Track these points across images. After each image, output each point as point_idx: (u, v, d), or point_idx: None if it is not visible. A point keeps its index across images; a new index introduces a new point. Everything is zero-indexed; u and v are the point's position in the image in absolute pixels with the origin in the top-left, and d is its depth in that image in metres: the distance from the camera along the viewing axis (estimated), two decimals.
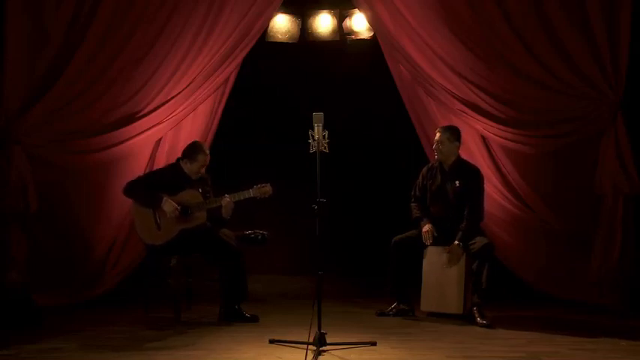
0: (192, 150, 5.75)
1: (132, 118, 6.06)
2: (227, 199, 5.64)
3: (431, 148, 6.02)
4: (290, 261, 7.11)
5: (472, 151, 6.36)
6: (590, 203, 6.01)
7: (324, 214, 4.75)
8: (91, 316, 5.67)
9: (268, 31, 6.79)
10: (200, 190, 5.72)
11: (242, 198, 5.64)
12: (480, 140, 6.41)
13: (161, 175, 5.80)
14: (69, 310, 5.77)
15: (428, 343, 4.85)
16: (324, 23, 6.97)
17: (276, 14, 6.70)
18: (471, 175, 5.78)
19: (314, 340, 4.57)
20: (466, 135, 6.16)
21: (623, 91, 5.87)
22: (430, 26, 6.13)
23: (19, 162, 5.64)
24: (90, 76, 5.88)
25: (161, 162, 6.29)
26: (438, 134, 5.83)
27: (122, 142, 6.06)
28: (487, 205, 5.96)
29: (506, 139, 6.20)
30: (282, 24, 6.88)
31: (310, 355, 4.40)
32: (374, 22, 6.42)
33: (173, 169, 5.79)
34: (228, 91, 6.50)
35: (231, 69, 6.36)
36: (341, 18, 6.99)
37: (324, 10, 6.97)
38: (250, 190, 5.64)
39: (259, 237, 6.04)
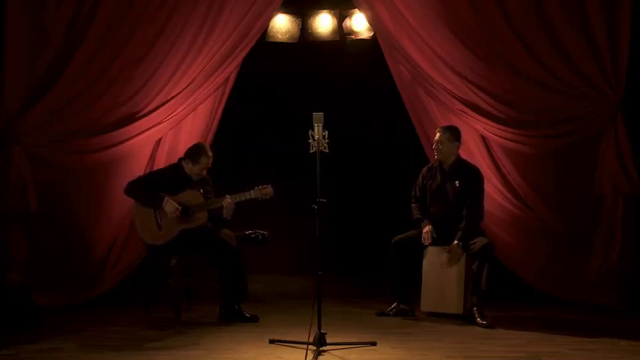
0: (195, 151, 5.75)
1: (132, 118, 6.06)
2: (228, 200, 5.64)
3: (431, 148, 6.02)
4: (290, 261, 7.11)
5: (472, 151, 6.36)
6: (590, 203, 6.01)
7: (324, 214, 4.75)
8: (91, 316, 5.67)
9: (268, 31, 6.79)
10: (201, 190, 5.72)
11: (243, 199, 5.65)
12: (480, 140, 6.41)
13: (162, 175, 5.80)
14: (69, 310, 5.77)
15: (428, 343, 4.85)
16: (324, 23, 6.97)
17: (276, 14, 6.71)
18: (470, 175, 5.78)
19: (314, 340, 4.57)
20: (466, 135, 6.16)
21: (623, 91, 5.87)
22: (430, 26, 6.13)
23: (19, 162, 5.64)
24: (90, 76, 5.88)
25: (161, 162, 6.29)
26: (437, 134, 5.83)
27: (122, 142, 6.06)
28: (487, 205, 5.96)
29: (506, 139, 6.20)
30: (282, 24, 6.88)
31: (310, 355, 4.40)
32: (374, 22, 6.42)
33: (174, 169, 5.79)
34: (228, 91, 6.50)
35: (231, 69, 6.36)
36: (341, 18, 6.99)
37: (324, 10, 6.97)
38: (251, 191, 5.65)
39: (259, 237, 6.04)
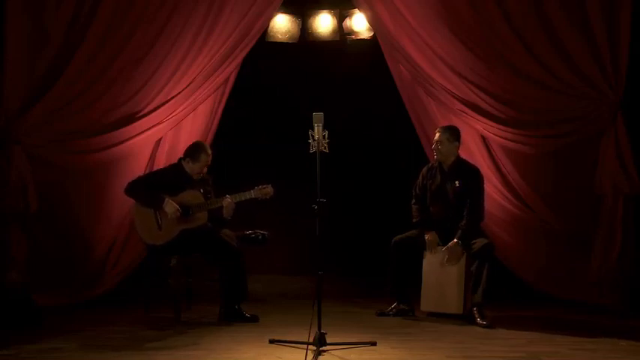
0: (195, 150, 5.75)
1: (132, 118, 6.06)
2: (228, 200, 5.64)
3: (431, 148, 6.01)
4: (290, 261, 7.11)
5: (472, 151, 6.36)
6: (590, 203, 6.01)
7: (324, 214, 4.75)
8: (91, 316, 5.67)
9: (268, 31, 6.79)
10: (201, 190, 5.72)
11: (243, 199, 5.65)
12: (480, 140, 6.41)
13: (162, 175, 5.80)
14: (69, 310, 5.77)
15: (428, 343, 4.85)
16: (324, 23, 6.97)
17: (276, 14, 6.71)
18: (470, 175, 5.78)
19: (314, 340, 4.57)
20: (466, 135, 6.16)
21: (623, 91, 5.87)
22: (430, 26, 6.13)
23: (19, 162, 5.64)
24: (90, 76, 5.88)
25: (161, 162, 6.29)
26: (437, 134, 5.83)
27: (122, 142, 6.06)
28: (487, 205, 5.96)
29: (506, 139, 6.20)
30: (282, 24, 6.88)
31: (310, 355, 4.40)
32: (374, 22, 6.42)
33: (175, 169, 5.79)
34: (228, 91, 6.50)
35: (231, 69, 6.36)
36: (341, 18, 6.99)
37: (324, 10, 6.97)
38: (251, 191, 5.65)
39: (259, 237, 6.05)
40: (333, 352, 4.56)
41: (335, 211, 5.29)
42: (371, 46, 6.85)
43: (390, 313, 5.79)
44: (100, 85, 5.92)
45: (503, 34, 6.01)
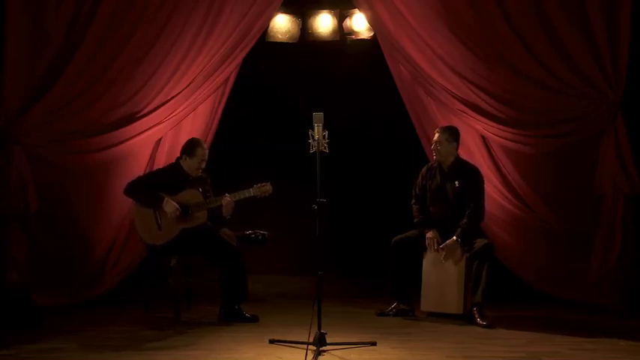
0: (190, 145, 5.76)
1: (132, 118, 6.06)
2: (227, 199, 5.64)
3: (431, 148, 6.02)
4: (290, 261, 7.11)
5: (472, 151, 6.36)
6: (590, 203, 6.01)
7: (324, 214, 4.75)
8: (91, 316, 5.67)
9: (268, 31, 6.79)
10: (200, 189, 5.72)
11: (242, 197, 5.65)
12: (480, 140, 6.40)
13: (161, 175, 5.80)
14: (69, 310, 5.77)
15: (428, 343, 4.85)
16: (324, 23, 6.96)
17: (276, 14, 6.71)
18: (470, 175, 5.78)
19: (314, 340, 4.57)
20: (466, 135, 6.17)
21: (623, 91, 5.87)
22: (430, 26, 6.13)
23: (19, 162, 5.64)
24: (90, 76, 5.88)
25: (161, 162, 6.29)
26: (436, 135, 5.83)
27: (122, 142, 6.06)
28: (487, 205, 5.96)
29: (506, 139, 6.20)
30: (282, 24, 6.88)
31: (310, 355, 4.40)
32: (374, 22, 6.42)
33: (173, 168, 5.80)
34: (228, 91, 6.50)
35: (231, 69, 6.36)
36: (341, 18, 6.99)
37: (324, 10, 6.97)
38: (250, 189, 5.65)
39: (259, 237, 6.04)
40: (333, 352, 4.56)
41: (335, 211, 5.28)
42: (371, 46, 6.85)
43: (390, 313, 5.79)
44: (100, 85, 5.92)
45: (503, 34, 6.01)
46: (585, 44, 5.92)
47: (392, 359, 4.48)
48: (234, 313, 5.53)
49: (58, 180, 5.96)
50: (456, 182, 5.73)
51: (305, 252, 6.01)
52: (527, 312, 5.94)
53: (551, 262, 6.25)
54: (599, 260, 5.92)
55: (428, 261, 5.77)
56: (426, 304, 5.75)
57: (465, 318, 5.54)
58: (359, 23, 6.89)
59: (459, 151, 5.87)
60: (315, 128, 4.75)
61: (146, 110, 6.10)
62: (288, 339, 4.75)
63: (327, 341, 4.60)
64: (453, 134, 5.80)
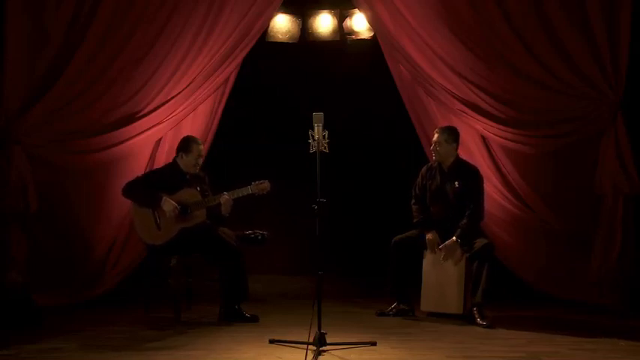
0: (185, 143, 5.77)
1: (132, 118, 6.06)
2: (226, 197, 5.63)
3: (430, 149, 6.01)
4: (290, 261, 7.11)
5: (472, 151, 6.36)
6: (590, 203, 6.01)
7: (324, 214, 4.75)
8: (91, 316, 5.67)
9: (268, 31, 6.79)
10: (198, 188, 5.72)
11: (240, 195, 5.64)
12: (480, 140, 6.40)
13: (159, 174, 5.80)
14: (69, 310, 5.77)
15: (428, 343, 4.85)
16: (324, 23, 6.97)
17: (277, 14, 6.71)
18: (470, 175, 5.77)
19: (314, 340, 4.57)
20: (466, 135, 6.17)
21: (623, 91, 5.87)
22: (430, 26, 6.13)
23: (19, 162, 5.64)
24: (90, 76, 5.89)
25: (161, 162, 6.29)
26: (435, 135, 5.83)
27: (122, 142, 6.06)
28: (487, 205, 5.96)
29: (506, 139, 6.20)
30: (282, 24, 6.88)
31: (310, 355, 4.40)
32: (374, 22, 6.42)
33: (170, 168, 5.80)
34: (228, 91, 6.50)
35: (231, 69, 6.36)
36: (341, 18, 6.99)
37: (325, 10, 6.97)
38: (248, 186, 5.64)
39: (259, 237, 6.04)
40: (333, 352, 4.56)
41: (335, 211, 5.28)
42: (371, 46, 6.85)
43: (390, 313, 5.79)
44: (100, 85, 5.92)
45: (503, 34, 6.01)
46: (585, 44, 5.92)
47: (392, 359, 4.48)
48: (234, 313, 5.53)
49: (58, 180, 5.96)
50: (456, 182, 5.73)
51: (305, 252, 6.02)
52: (527, 312, 5.94)
53: (551, 262, 6.25)
54: (599, 260, 5.92)
55: (428, 261, 5.77)
56: (426, 304, 5.75)
57: (465, 318, 5.54)
58: (359, 23, 6.89)
59: (458, 151, 5.87)
60: (315, 128, 4.75)
61: (146, 110, 6.10)
62: (288, 339, 4.75)
63: (327, 341, 4.59)
64: (452, 135, 5.79)
